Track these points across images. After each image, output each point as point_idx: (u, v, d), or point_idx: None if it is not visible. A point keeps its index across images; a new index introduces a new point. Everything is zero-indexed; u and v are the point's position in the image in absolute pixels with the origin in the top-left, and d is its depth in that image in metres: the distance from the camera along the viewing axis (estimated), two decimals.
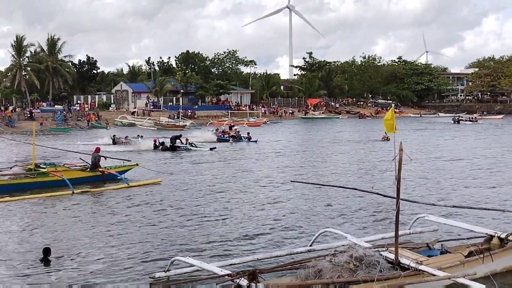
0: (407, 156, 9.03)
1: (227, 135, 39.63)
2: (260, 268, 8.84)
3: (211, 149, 32.42)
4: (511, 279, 9.55)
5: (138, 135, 37.74)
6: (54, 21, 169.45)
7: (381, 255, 8.82)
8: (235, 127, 45.65)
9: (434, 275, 8.39)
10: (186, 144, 33.29)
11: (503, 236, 10.06)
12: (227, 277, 8.31)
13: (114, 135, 37.24)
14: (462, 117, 68.65)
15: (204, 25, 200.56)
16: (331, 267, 8.41)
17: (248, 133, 39.74)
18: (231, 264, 9.51)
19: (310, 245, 10.73)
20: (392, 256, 8.90)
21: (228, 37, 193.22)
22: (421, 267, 8.56)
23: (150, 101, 72.82)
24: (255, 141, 38.14)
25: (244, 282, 7.94)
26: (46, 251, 10.67)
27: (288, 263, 9.44)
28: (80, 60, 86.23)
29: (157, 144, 33.03)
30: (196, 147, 33.18)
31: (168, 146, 32.49)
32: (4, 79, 74.93)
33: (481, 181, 20.63)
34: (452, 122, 64.64)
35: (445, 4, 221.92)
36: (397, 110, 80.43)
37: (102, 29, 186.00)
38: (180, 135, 34.69)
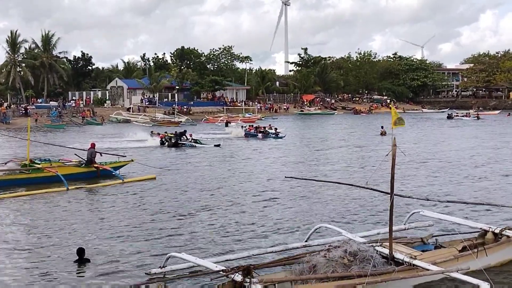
0: (400, 151, 9.04)
1: (257, 132, 40.09)
2: (255, 264, 8.85)
3: (215, 145, 32.50)
4: (505, 273, 9.60)
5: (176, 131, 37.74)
6: (50, 18, 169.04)
7: (375, 250, 8.85)
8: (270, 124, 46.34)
9: (427, 269, 8.43)
10: (190, 141, 33.43)
11: (497, 230, 10.10)
12: (222, 272, 8.31)
13: (152, 131, 38.12)
14: (457, 113, 68.80)
15: (201, 21, 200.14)
16: (325, 262, 8.45)
17: (276, 129, 40.14)
18: (226, 260, 9.52)
19: (306, 241, 10.75)
20: (386, 251, 8.93)
21: (225, 33, 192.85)
22: (415, 262, 8.59)
23: (145, 97, 72.63)
24: (282, 137, 38.42)
25: (238, 277, 7.95)
26: (80, 251, 10.31)
27: (282, 259, 9.46)
28: (75, 56, 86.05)
29: (163, 140, 33.26)
30: (201, 143, 33.35)
31: (173, 142, 32.66)
32: None
33: (475, 176, 20.69)
34: (447, 118, 64.99)
35: (442, 0, 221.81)
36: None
37: (99, 26, 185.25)
38: (185, 131, 34.85)
